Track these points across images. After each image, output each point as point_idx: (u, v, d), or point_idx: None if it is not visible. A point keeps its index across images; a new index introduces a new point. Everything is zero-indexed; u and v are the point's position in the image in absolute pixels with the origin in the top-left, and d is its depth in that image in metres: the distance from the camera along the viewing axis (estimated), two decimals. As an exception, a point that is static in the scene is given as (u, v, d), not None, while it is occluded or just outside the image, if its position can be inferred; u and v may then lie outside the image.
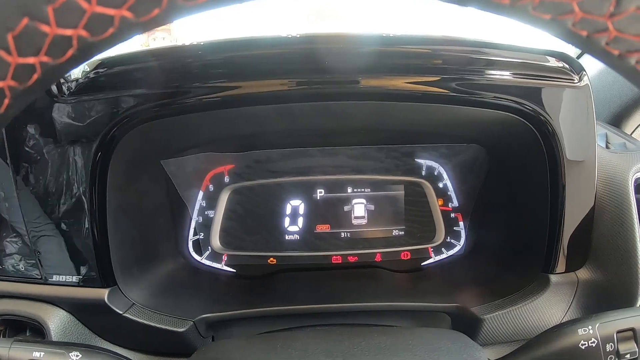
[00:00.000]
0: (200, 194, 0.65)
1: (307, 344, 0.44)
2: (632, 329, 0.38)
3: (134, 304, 0.53)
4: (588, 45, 0.16)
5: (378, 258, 0.66)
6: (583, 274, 0.53)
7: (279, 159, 0.64)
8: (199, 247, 0.66)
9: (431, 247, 0.66)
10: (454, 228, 0.66)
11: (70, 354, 0.40)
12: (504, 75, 0.49)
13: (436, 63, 0.48)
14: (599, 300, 0.52)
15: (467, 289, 0.58)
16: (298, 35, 0.47)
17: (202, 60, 0.47)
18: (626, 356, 0.37)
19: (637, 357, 0.37)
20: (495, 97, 0.49)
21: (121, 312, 0.51)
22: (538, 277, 0.53)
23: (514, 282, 0.55)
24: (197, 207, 0.65)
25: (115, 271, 0.52)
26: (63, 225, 0.50)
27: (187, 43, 0.51)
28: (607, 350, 0.37)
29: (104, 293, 0.51)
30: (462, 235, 0.66)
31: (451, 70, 0.48)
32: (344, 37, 0.48)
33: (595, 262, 0.53)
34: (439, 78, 0.48)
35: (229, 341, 0.49)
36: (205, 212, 0.66)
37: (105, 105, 0.47)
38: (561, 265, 0.52)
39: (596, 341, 0.37)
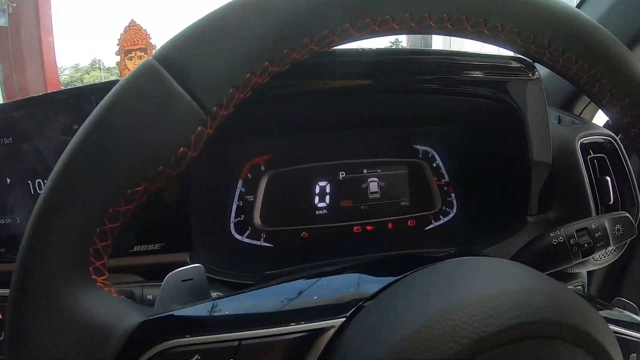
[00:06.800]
0: (240, 181, 0.78)
1: None
2: (585, 228, 0.54)
3: (207, 265, 0.63)
4: None
5: (390, 226, 0.82)
6: (551, 214, 0.71)
7: (307, 147, 0.79)
8: (240, 227, 0.79)
9: (431, 215, 0.83)
10: (447, 198, 0.83)
11: None
12: (477, 73, 0.68)
13: (422, 67, 0.67)
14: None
15: (463, 239, 0.75)
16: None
17: None
18: (584, 245, 0.53)
19: (592, 246, 0.53)
20: (472, 88, 0.68)
21: None
22: (517, 219, 0.71)
23: (500, 225, 0.72)
24: (237, 193, 0.78)
25: (193, 239, 0.65)
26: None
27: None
28: (571, 243, 0.54)
29: (185, 256, 0.64)
30: (454, 203, 0.83)
31: (434, 72, 0.67)
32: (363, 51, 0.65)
33: (558, 204, 0.71)
34: (425, 77, 0.67)
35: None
36: (245, 197, 0.79)
37: None
38: (533, 209, 0.71)
39: (563, 238, 0.54)
